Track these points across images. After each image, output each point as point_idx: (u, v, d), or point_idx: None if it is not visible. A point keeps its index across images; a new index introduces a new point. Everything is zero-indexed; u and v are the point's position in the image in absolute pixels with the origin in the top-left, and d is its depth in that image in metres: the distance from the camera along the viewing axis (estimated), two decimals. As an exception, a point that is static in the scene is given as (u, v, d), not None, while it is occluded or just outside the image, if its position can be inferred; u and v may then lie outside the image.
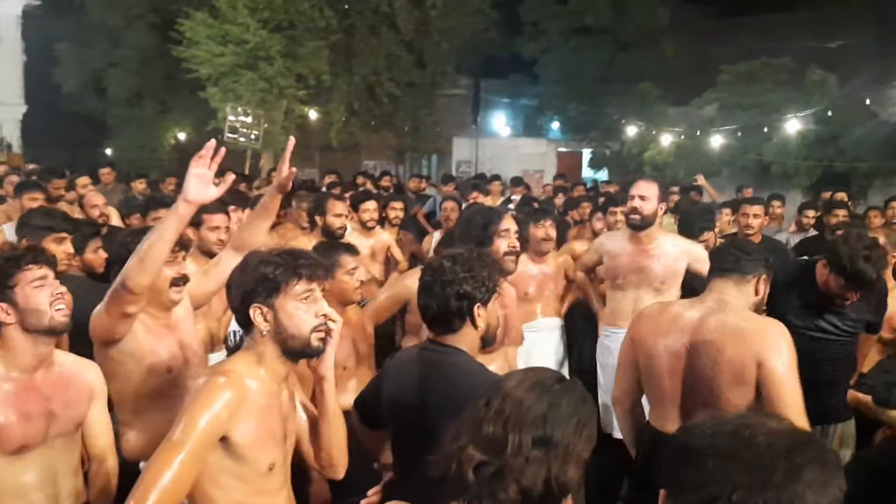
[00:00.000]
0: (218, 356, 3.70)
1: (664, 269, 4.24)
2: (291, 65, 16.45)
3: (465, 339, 2.23)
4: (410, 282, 3.72)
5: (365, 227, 5.53)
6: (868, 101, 14.45)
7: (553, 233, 4.84)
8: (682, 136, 17.06)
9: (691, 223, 5.01)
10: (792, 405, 2.47)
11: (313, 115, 17.76)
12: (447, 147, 22.05)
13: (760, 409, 2.55)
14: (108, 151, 21.33)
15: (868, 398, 3.36)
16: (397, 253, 5.79)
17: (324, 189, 9.41)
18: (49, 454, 2.28)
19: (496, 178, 9.66)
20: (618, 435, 4.15)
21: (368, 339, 3.57)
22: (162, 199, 4.84)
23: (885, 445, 3.41)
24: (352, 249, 3.46)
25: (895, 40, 16.52)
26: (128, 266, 2.33)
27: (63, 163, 10.85)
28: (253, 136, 13.24)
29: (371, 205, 5.57)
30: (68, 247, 3.34)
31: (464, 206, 7.07)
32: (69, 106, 21.39)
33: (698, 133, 16.57)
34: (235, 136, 12.97)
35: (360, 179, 10.30)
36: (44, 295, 2.24)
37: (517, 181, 9.66)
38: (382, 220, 6.10)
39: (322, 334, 2.04)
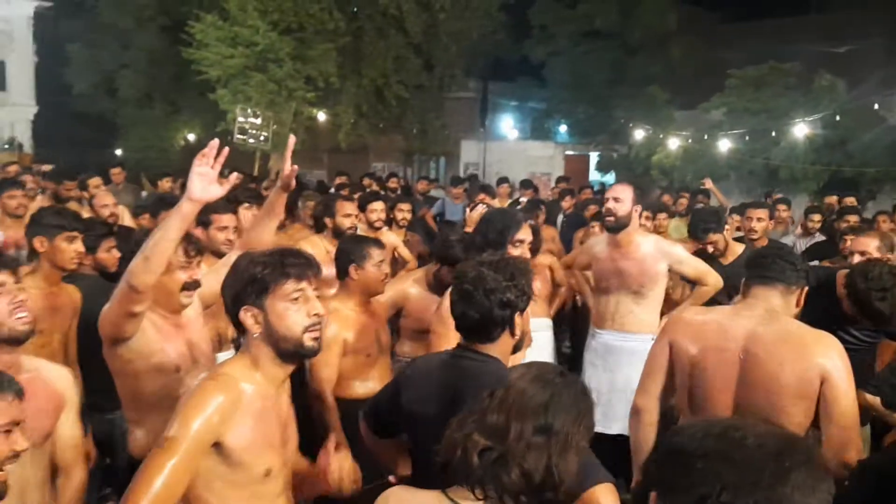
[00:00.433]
0: (226, 355, 3.73)
1: (640, 271, 4.27)
2: (300, 67, 16.52)
3: (501, 348, 2.22)
4: (405, 286, 3.77)
5: (372, 228, 5.58)
6: (876, 106, 14.43)
7: (529, 235, 4.90)
8: (690, 140, 17.06)
9: (697, 224, 5.05)
10: (853, 424, 2.45)
11: (322, 116, 17.83)
12: (455, 149, 22.11)
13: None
14: (118, 152, 21.45)
15: (876, 400, 3.35)
16: (405, 252, 5.82)
17: (332, 190, 9.48)
18: (14, 467, 2.13)
19: (504, 180, 9.69)
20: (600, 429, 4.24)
21: (388, 331, 3.68)
22: (170, 199, 4.89)
23: (893, 450, 3.40)
24: (379, 243, 3.59)
25: (904, 45, 16.48)
26: (133, 265, 2.29)
27: (73, 163, 10.96)
28: (262, 138, 13.31)
29: (378, 205, 5.61)
30: (79, 245, 3.37)
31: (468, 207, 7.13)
32: (80, 106, 21.53)
33: (706, 137, 16.56)
34: (245, 137, 13.05)
35: (366, 181, 10.35)
36: (2, 303, 2.16)
37: (526, 184, 9.69)
38: (390, 222, 6.14)
39: (316, 334, 1.99)
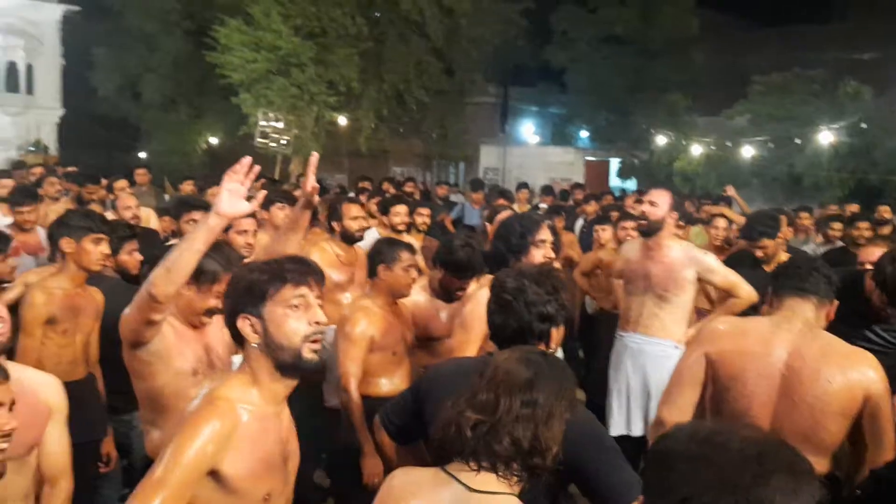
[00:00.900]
0: (240, 359, 3.76)
1: (666, 275, 4.25)
2: (322, 71, 16.61)
3: None
4: (412, 294, 3.77)
5: (395, 231, 5.59)
6: (902, 114, 14.25)
7: (551, 235, 4.90)
8: (713, 147, 16.94)
9: (753, 226, 4.99)
10: (892, 442, 2.44)
11: (343, 121, 17.91)
12: (475, 154, 22.12)
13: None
14: (142, 155, 21.68)
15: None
16: (420, 261, 5.80)
17: (352, 194, 9.53)
18: None
19: (524, 185, 9.68)
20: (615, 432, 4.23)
21: (413, 332, 3.73)
22: (193, 202, 4.93)
23: None
24: (411, 248, 3.66)
25: (931, 52, 16.27)
26: (154, 274, 2.26)
27: (97, 165, 11.09)
28: (283, 142, 13.40)
29: (402, 209, 5.63)
30: (105, 248, 3.41)
31: (487, 212, 7.14)
32: (104, 110, 21.78)
33: (729, 144, 16.44)
34: (266, 140, 13.15)
35: (385, 185, 10.39)
36: None
37: (546, 190, 9.66)
38: (409, 226, 6.15)
39: (317, 345, 1.89)
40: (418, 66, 18.14)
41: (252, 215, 3.97)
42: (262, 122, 13.27)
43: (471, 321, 3.03)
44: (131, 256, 3.93)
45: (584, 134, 22.78)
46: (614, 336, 4.64)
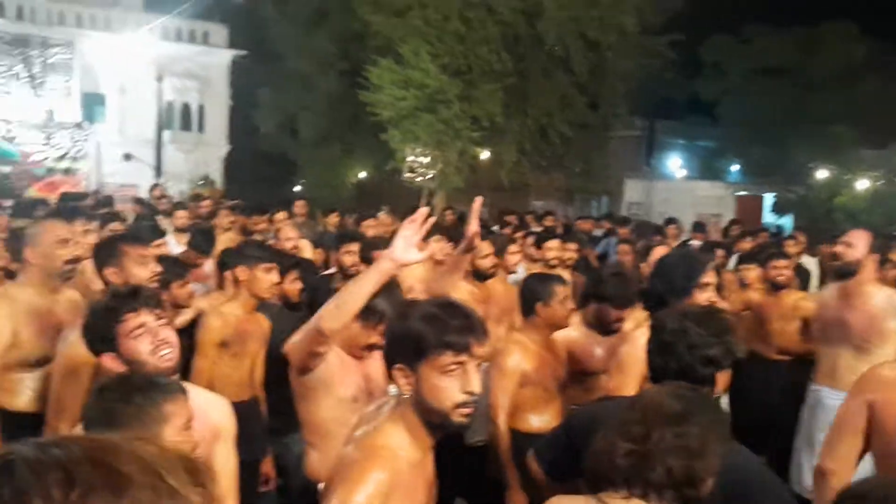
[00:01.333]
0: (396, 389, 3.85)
1: (866, 325, 3.91)
2: (467, 107, 16.96)
3: None
4: (567, 329, 3.70)
5: (548, 266, 5.56)
6: None
7: (715, 278, 4.66)
8: (881, 181, 15.74)
9: None
10: None
11: (485, 155, 18.16)
12: (618, 188, 21.74)
13: None
14: (297, 188, 22.99)
15: None
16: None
17: (495, 228, 9.60)
18: None
19: (673, 220, 9.37)
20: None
21: (564, 369, 3.69)
22: (351, 235, 5.16)
23: None
24: (562, 280, 3.67)
25: None
26: (324, 310, 2.37)
27: (257, 198, 11.82)
28: (429, 176, 13.75)
29: (555, 244, 5.61)
30: (275, 277, 3.63)
31: (639, 246, 6.96)
32: (265, 146, 23.35)
33: (899, 178, 15.24)
34: (413, 175, 13.55)
35: (528, 219, 10.40)
36: (144, 344, 2.18)
37: (698, 227, 9.26)
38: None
39: (468, 411, 1.83)
40: (562, 100, 18.12)
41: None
42: (410, 158, 13.71)
43: (628, 363, 2.96)
44: (293, 285, 4.15)
45: (734, 168, 21.85)
46: (766, 382, 4.37)
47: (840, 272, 4.04)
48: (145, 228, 5.03)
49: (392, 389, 3.72)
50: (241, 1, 14.85)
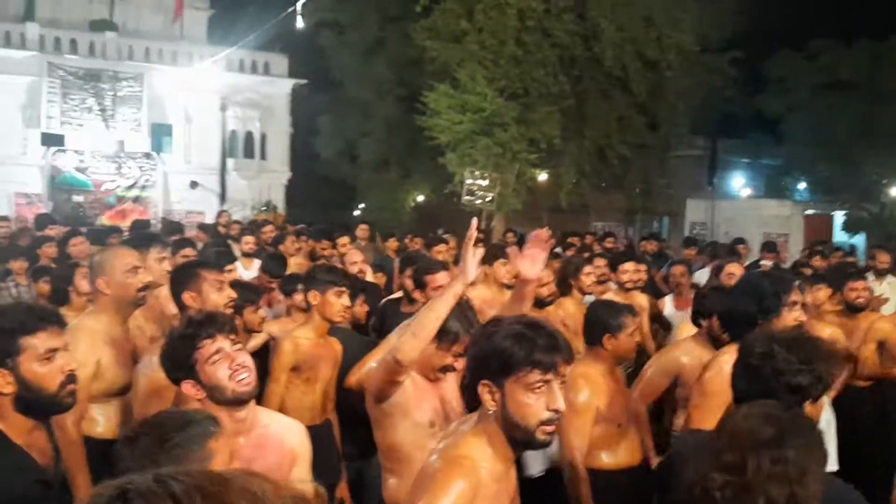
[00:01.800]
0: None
1: None
2: (524, 130, 16.93)
3: None
4: (677, 353, 3.56)
5: (623, 289, 5.45)
6: None
7: (801, 297, 4.46)
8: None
9: None
10: None
11: (543, 176, 18.08)
12: (680, 209, 21.34)
13: None
14: (356, 213, 23.29)
15: None
16: (644, 320, 5.57)
17: (558, 249, 9.49)
18: None
19: (741, 241, 9.11)
20: None
21: (635, 401, 3.57)
22: (414, 257, 5.14)
23: None
24: (633, 311, 3.52)
25: None
26: (401, 341, 2.42)
27: (318, 223, 12.00)
28: (488, 199, 13.74)
29: (630, 266, 5.49)
30: (346, 300, 3.63)
31: (707, 268, 6.78)
32: (325, 171, 23.78)
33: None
34: (472, 198, 13.56)
35: (588, 239, 10.26)
36: (222, 370, 2.20)
37: (769, 247, 8.96)
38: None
39: (551, 429, 1.89)
40: (620, 120, 17.96)
41: (447, 269, 4.01)
42: (469, 181, 13.74)
43: (710, 388, 2.85)
44: (361, 308, 4.16)
45: (801, 186, 21.25)
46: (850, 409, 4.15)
47: None
48: (217, 254, 5.11)
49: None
50: (301, 31, 15.21)
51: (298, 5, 11.57)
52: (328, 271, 3.72)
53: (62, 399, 2.18)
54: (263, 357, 4.06)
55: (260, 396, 3.48)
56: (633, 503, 3.28)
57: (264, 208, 20.41)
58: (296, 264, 6.70)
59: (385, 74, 20.57)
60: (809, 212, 20.55)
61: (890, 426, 4.18)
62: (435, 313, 2.37)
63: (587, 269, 5.24)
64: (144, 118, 20.19)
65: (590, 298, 5.15)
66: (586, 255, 7.59)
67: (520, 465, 3.52)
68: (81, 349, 2.87)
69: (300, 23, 11.97)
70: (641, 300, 5.61)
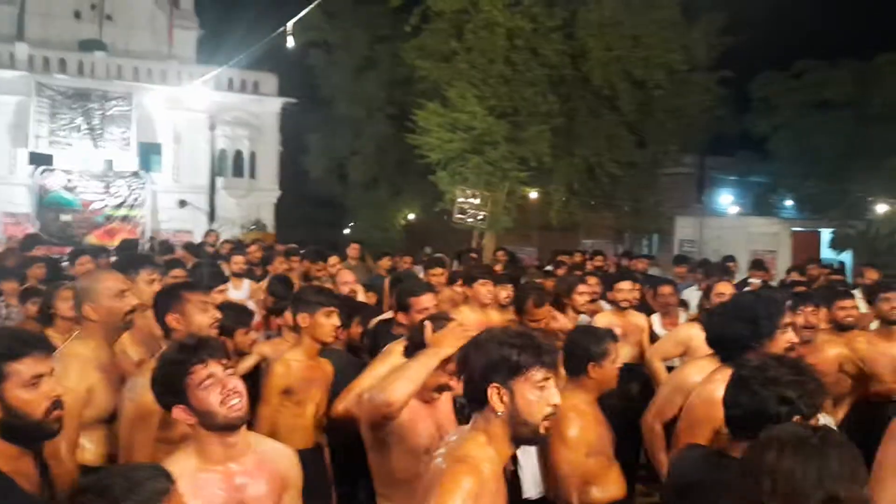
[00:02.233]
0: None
1: None
2: (514, 148, 16.99)
3: None
4: (691, 371, 3.48)
5: (619, 308, 5.43)
6: None
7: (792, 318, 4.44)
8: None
9: None
10: None
11: (533, 194, 18.12)
12: (669, 226, 21.42)
13: None
14: (346, 231, 23.25)
15: None
16: (645, 339, 5.55)
17: (549, 267, 9.48)
18: None
19: (731, 259, 9.13)
20: None
21: (650, 420, 3.51)
22: (402, 276, 5.11)
23: None
24: (615, 336, 3.40)
25: None
26: (395, 386, 2.52)
27: (307, 242, 11.93)
28: (480, 217, 13.75)
29: (627, 285, 5.46)
30: (336, 320, 3.59)
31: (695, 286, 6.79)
32: (314, 190, 23.77)
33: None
34: (464, 217, 13.56)
35: (578, 257, 10.26)
36: (213, 395, 2.18)
37: (758, 265, 8.97)
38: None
39: (549, 424, 2.02)
40: (610, 139, 18.03)
41: (433, 292, 3.91)
42: (461, 199, 13.76)
43: (698, 406, 2.85)
44: (356, 329, 4.12)
45: (788, 203, 21.40)
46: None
47: None
48: (208, 274, 5.06)
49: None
50: (291, 50, 15.21)
51: (289, 25, 11.59)
52: (316, 292, 3.68)
53: (48, 425, 2.14)
54: (255, 378, 4.02)
55: (251, 419, 3.45)
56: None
57: (253, 227, 20.36)
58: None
59: (375, 93, 20.65)
60: (797, 229, 20.68)
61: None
62: (426, 364, 2.54)
63: (581, 287, 5.22)
64: (133, 137, 20.15)
65: (584, 318, 5.13)
66: (578, 272, 7.59)
67: (518, 486, 3.49)
68: (72, 376, 2.82)
69: (290, 43, 11.96)
70: (639, 320, 5.59)
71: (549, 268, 9.42)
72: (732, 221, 21.78)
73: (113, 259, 7.48)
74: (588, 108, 18.05)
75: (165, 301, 3.13)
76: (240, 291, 6.92)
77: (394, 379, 2.53)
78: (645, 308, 7.75)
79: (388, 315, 4.97)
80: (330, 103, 21.75)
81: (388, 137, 20.40)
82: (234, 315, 3.78)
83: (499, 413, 1.99)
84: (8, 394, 2.07)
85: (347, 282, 5.78)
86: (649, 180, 19.77)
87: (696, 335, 4.58)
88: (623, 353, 5.17)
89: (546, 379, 2.00)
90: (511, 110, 17.18)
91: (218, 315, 3.18)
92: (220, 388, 2.19)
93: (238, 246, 9.95)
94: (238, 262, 7.56)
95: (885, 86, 18.15)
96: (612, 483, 3.23)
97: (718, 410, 2.79)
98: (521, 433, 2.00)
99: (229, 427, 2.20)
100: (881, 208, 16.58)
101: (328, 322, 3.56)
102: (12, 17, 19.98)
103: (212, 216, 20.72)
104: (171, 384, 2.21)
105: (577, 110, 18.07)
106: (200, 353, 2.21)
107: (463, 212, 13.70)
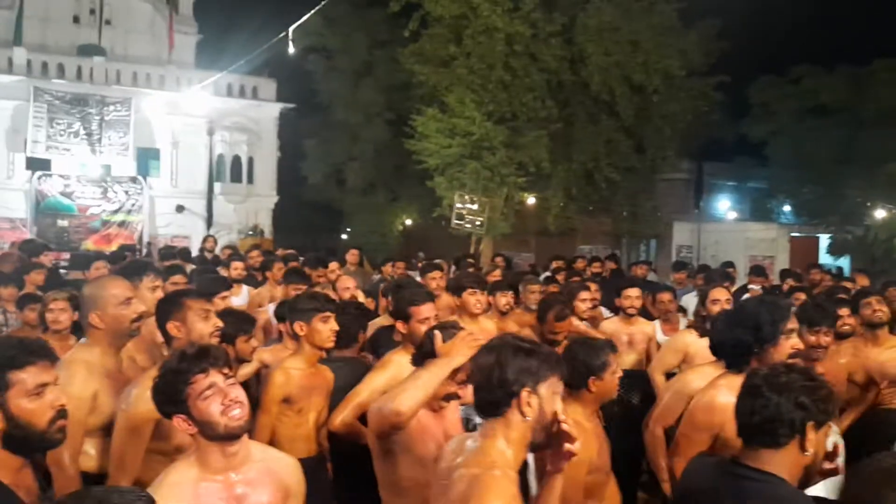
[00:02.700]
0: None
1: None
2: (513, 153, 17.01)
3: (785, 462, 1.98)
4: (693, 377, 3.44)
5: (626, 315, 5.42)
6: None
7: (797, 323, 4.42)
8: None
9: None
10: None
11: (531, 200, 18.12)
12: (667, 232, 21.44)
13: None
14: (344, 236, 23.24)
15: None
16: (652, 347, 5.53)
17: (548, 274, 9.47)
18: None
19: (730, 264, 9.13)
20: None
21: (652, 425, 3.51)
22: (404, 283, 5.09)
23: None
24: (614, 347, 3.34)
25: None
26: (405, 396, 2.54)
27: (306, 247, 11.92)
28: (478, 223, 13.74)
29: (634, 292, 5.45)
30: (333, 325, 3.57)
31: (693, 293, 6.78)
32: (312, 196, 23.73)
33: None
34: (462, 222, 13.55)
35: (579, 263, 10.22)
36: (214, 405, 2.16)
37: (758, 271, 8.96)
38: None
39: (554, 429, 2.07)
40: (607, 144, 18.06)
41: (432, 301, 3.75)
42: (458, 205, 13.75)
43: (699, 414, 2.85)
44: (361, 337, 4.11)
45: (786, 208, 21.43)
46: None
47: None
48: (211, 281, 5.03)
49: (469, 444, 3.60)
50: (290, 56, 15.19)
51: (290, 31, 11.58)
52: (310, 298, 3.66)
53: (52, 435, 2.12)
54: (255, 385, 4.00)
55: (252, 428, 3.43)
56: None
57: (251, 233, 20.32)
58: (285, 294, 6.61)
59: (373, 98, 20.65)
60: (795, 234, 20.71)
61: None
62: (436, 377, 2.59)
63: (583, 294, 5.20)
64: (131, 142, 20.10)
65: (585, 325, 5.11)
66: (576, 279, 7.58)
67: (526, 488, 3.46)
68: (77, 383, 2.81)
69: (291, 48, 11.94)
70: (646, 327, 5.58)
71: (548, 274, 9.41)
72: (730, 227, 21.80)
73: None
74: (586, 114, 18.08)
75: (166, 308, 3.10)
76: (239, 297, 6.89)
77: (404, 389, 2.53)
78: (645, 314, 7.77)
79: (389, 322, 4.95)
80: (328, 109, 21.77)
81: (386, 143, 20.41)
82: (236, 322, 3.75)
83: (528, 417, 2.01)
84: (11, 403, 2.05)
85: (348, 287, 5.76)
86: (647, 186, 19.82)
87: (692, 342, 4.60)
88: (627, 361, 5.22)
89: (560, 385, 2.09)
90: (509, 116, 17.21)
91: (219, 323, 3.15)
92: (221, 397, 2.17)
93: (236, 252, 9.91)
94: (237, 267, 7.53)
95: (881, 91, 18.21)
96: (609, 498, 3.19)
97: (718, 416, 2.81)
98: (539, 438, 2.04)
99: (230, 437, 2.18)
100: (879, 214, 16.60)
101: (325, 327, 3.54)
102: (10, 22, 19.94)
103: (209, 222, 20.67)
104: (172, 394, 2.19)
105: (576, 115, 18.10)
106: (202, 363, 2.19)
107: (461, 217, 13.69)
